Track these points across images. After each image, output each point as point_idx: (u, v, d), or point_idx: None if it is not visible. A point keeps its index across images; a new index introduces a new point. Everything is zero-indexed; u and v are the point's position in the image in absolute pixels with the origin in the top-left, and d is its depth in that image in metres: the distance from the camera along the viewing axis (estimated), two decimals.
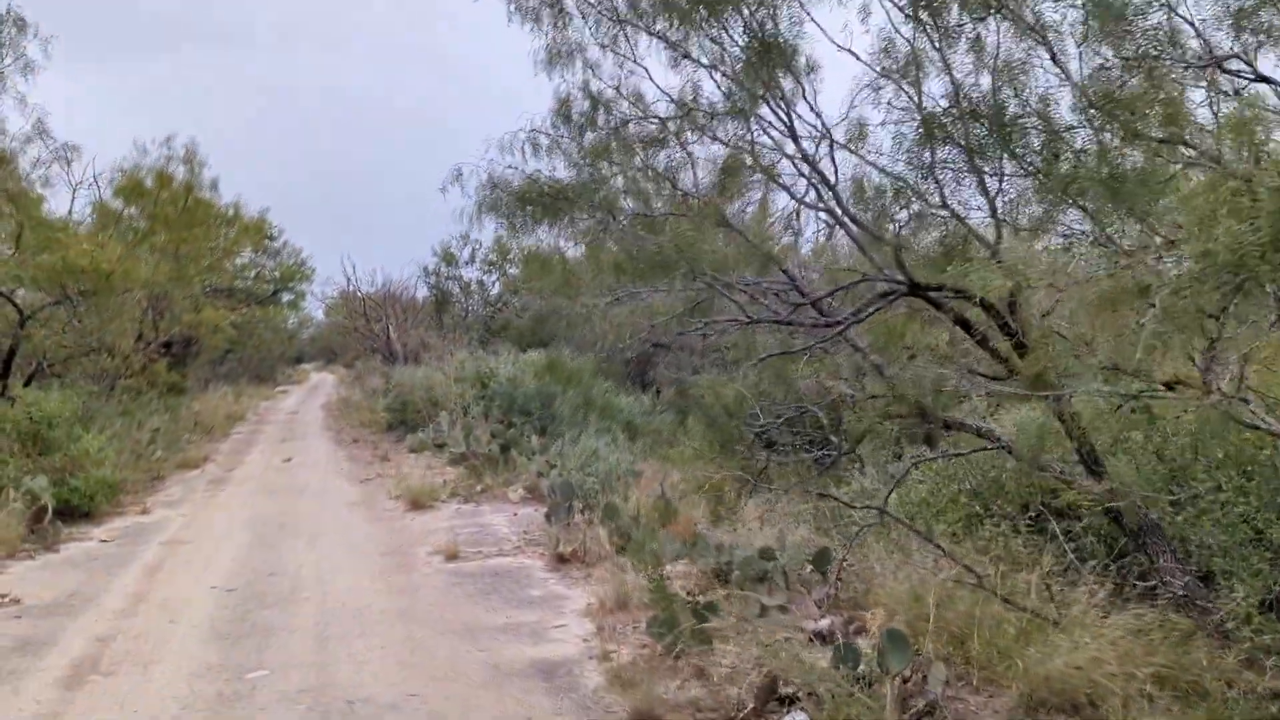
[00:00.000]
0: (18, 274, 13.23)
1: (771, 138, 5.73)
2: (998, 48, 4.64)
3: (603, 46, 6.22)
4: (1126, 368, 3.20)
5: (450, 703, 5.11)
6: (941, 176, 4.73)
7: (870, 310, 5.26)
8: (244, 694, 5.25)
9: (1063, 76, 3.98)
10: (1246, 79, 3.76)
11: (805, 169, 5.60)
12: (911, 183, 4.96)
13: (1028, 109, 3.98)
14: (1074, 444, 4.74)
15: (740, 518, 7.79)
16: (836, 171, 5.55)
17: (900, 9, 4.92)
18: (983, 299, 4.46)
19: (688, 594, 5.80)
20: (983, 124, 3.96)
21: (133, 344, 17.50)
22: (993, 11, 4.31)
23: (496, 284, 31.33)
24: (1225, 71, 3.68)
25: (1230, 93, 3.76)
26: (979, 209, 4.83)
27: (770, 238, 6.94)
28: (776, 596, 6.22)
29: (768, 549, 6.61)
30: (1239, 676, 4.41)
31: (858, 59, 5.27)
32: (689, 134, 6.08)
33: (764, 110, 5.58)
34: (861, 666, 4.71)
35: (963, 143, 4.15)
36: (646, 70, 6.25)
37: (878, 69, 5.19)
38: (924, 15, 4.72)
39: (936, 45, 4.74)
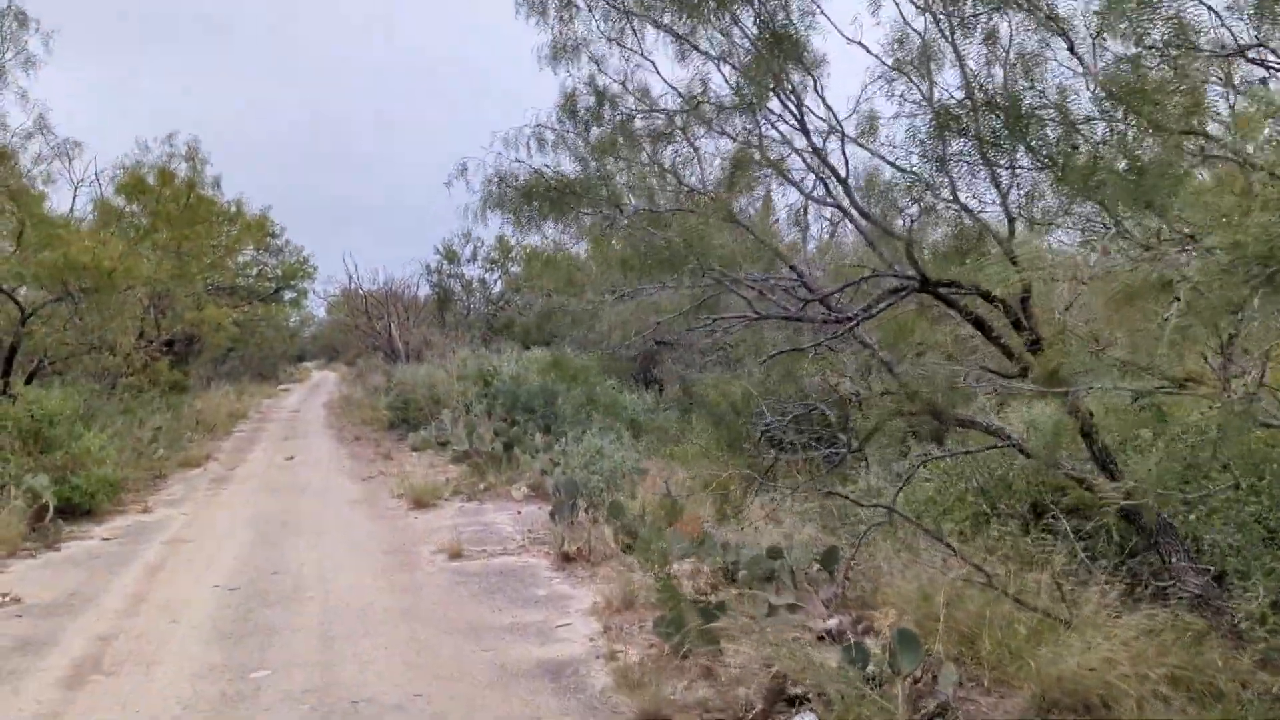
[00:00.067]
0: (19, 271, 13.19)
1: (780, 131, 5.68)
2: (1010, 41, 4.60)
3: (609, 40, 6.16)
4: (1146, 364, 3.14)
5: (456, 703, 5.06)
6: (955, 171, 4.67)
7: (882, 306, 5.21)
8: (247, 694, 5.21)
9: (1081, 68, 3.92)
10: (1274, 69, 3.69)
11: (815, 163, 5.54)
12: (925, 177, 4.90)
13: (1045, 100, 3.92)
14: (1088, 442, 4.68)
15: (746, 516, 7.74)
16: (848, 165, 5.49)
17: (913, 1, 4.87)
18: (995, 295, 4.40)
19: (699, 593, 5.74)
20: (999, 115, 3.90)
21: (134, 342, 17.46)
22: (1009, 2, 4.25)
23: (498, 282, 31.38)
24: (1250, 60, 3.62)
25: (1254, 82, 3.71)
26: (992, 203, 4.78)
27: (775, 234, 6.90)
28: (784, 596, 6.17)
29: (775, 548, 6.55)
30: (1253, 677, 4.35)
31: (868, 51, 5.22)
32: (697, 128, 6.02)
33: (773, 104, 5.53)
34: (871, 667, 4.66)
35: (978, 135, 4.08)
36: (654, 64, 6.20)
37: (889, 61, 5.14)
38: (938, 6, 4.66)
39: (949, 37, 4.68)
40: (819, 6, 5.21)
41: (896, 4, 5.03)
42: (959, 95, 4.60)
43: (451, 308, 30.86)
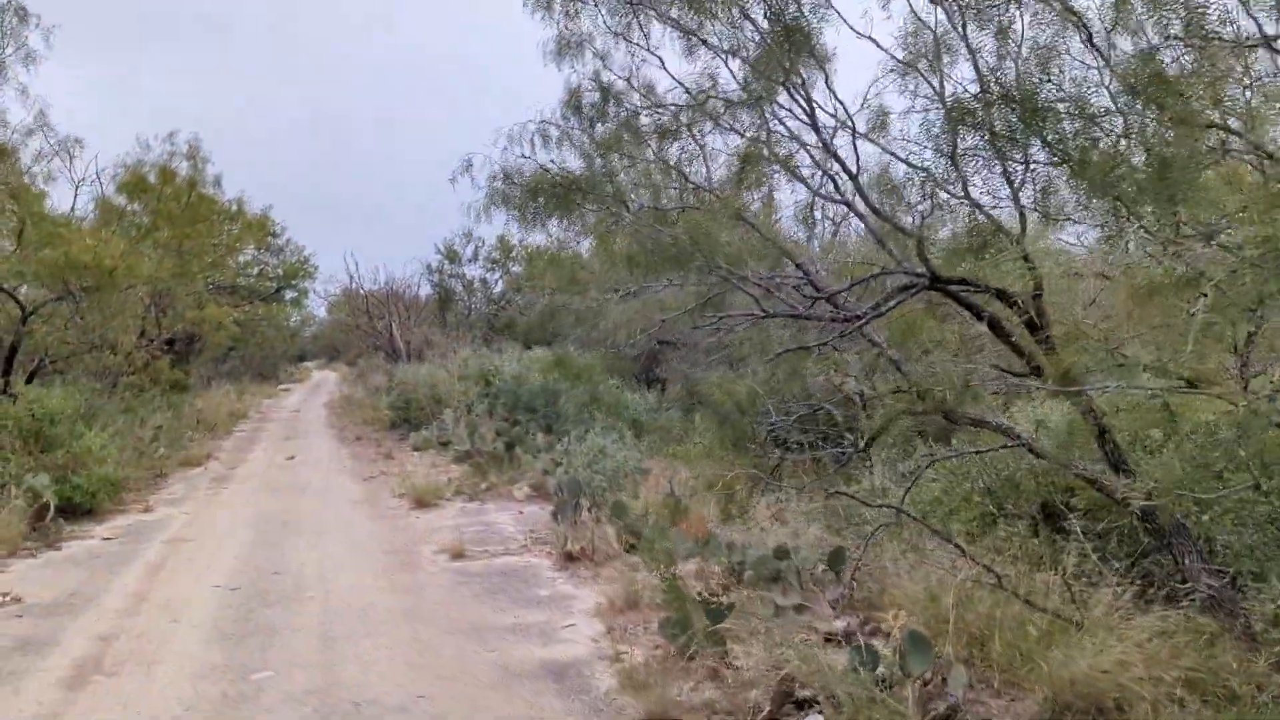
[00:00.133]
0: (20, 270, 13.14)
1: (788, 128, 5.62)
2: (1022, 35, 4.54)
3: (615, 35, 6.10)
4: (1169, 360, 3.09)
5: (459, 704, 5.01)
6: (967, 166, 4.60)
7: (892, 304, 5.15)
8: (249, 695, 5.15)
9: (1100, 61, 3.86)
10: None
11: (824, 159, 5.48)
12: (937, 173, 4.85)
13: (1063, 93, 3.86)
14: (1101, 442, 4.62)
15: (752, 516, 7.68)
16: (858, 161, 5.43)
17: None
18: (1008, 292, 4.34)
19: (710, 594, 5.69)
20: (1015, 109, 3.85)
21: (135, 341, 17.42)
22: None
23: (499, 282, 31.36)
24: (1276, 50, 3.56)
25: (1271, 75, 3.65)
26: (1005, 200, 4.72)
27: (779, 233, 6.83)
28: (791, 596, 6.12)
29: (782, 548, 6.50)
30: (1269, 680, 4.30)
31: (878, 46, 5.17)
32: (704, 124, 5.97)
33: (782, 98, 5.47)
34: (880, 669, 4.61)
35: (993, 129, 4.02)
36: (660, 59, 6.14)
37: (901, 55, 5.08)
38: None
39: (961, 31, 4.63)
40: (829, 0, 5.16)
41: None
42: (972, 90, 4.55)
43: (453, 307, 30.85)
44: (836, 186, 5.63)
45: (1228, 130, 3.25)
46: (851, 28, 5.14)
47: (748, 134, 5.79)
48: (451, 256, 30.84)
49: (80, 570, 8.11)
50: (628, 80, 6.49)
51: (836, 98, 5.36)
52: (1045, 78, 3.92)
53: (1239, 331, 3.24)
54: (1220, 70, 3.32)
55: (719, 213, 5.61)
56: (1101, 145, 3.57)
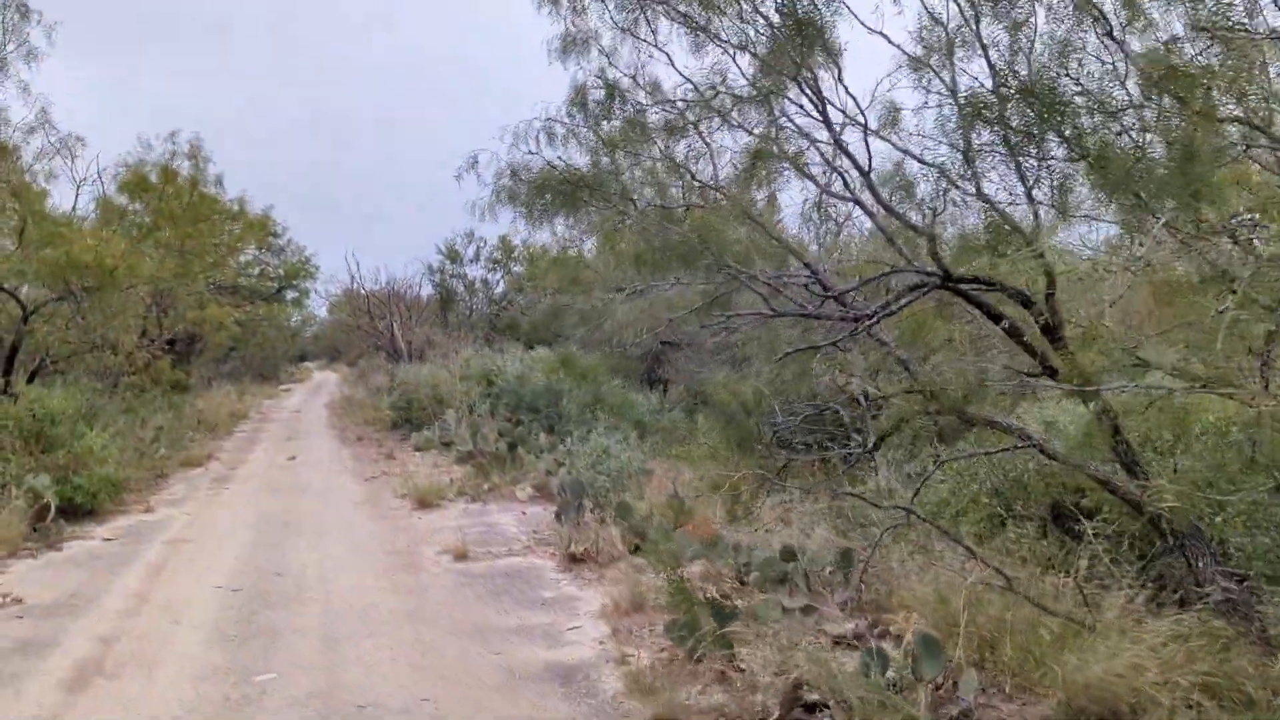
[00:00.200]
0: (21, 269, 13.08)
1: (797, 125, 5.57)
2: (1036, 30, 4.48)
3: (623, 30, 6.05)
4: (1193, 361, 3.03)
5: (463, 707, 4.95)
6: (982, 163, 4.55)
7: (902, 303, 5.09)
8: (252, 698, 5.09)
9: (1122, 54, 3.80)
10: None
11: (835, 156, 5.42)
12: (951, 170, 4.78)
13: (1082, 87, 3.80)
14: (1115, 443, 4.56)
15: (757, 518, 7.62)
16: (870, 158, 5.38)
17: None
18: (1021, 292, 4.29)
19: (722, 595, 5.63)
20: (1032, 104, 3.79)
21: (136, 341, 17.35)
22: None
23: (501, 282, 31.34)
24: None
25: None
26: (1019, 198, 4.65)
27: (782, 231, 6.77)
28: (798, 598, 6.06)
29: (789, 549, 6.44)
30: None
31: (889, 41, 5.11)
32: (713, 120, 5.91)
33: (791, 94, 5.41)
34: (891, 672, 4.55)
35: (1010, 125, 3.97)
36: (668, 55, 6.08)
37: (916, 50, 5.02)
38: None
39: (974, 25, 4.57)
40: None
41: None
42: (986, 85, 4.48)
43: (454, 308, 30.83)
44: (846, 184, 5.57)
45: (1252, 126, 3.20)
46: (863, 23, 5.09)
47: (757, 131, 5.73)
48: (453, 257, 30.84)
49: (81, 571, 8.05)
50: (633, 78, 6.45)
51: (848, 92, 5.32)
52: (1064, 71, 3.87)
53: (1259, 330, 3.18)
54: (1244, 63, 3.26)
55: (728, 211, 5.56)
56: (1121, 140, 3.52)
